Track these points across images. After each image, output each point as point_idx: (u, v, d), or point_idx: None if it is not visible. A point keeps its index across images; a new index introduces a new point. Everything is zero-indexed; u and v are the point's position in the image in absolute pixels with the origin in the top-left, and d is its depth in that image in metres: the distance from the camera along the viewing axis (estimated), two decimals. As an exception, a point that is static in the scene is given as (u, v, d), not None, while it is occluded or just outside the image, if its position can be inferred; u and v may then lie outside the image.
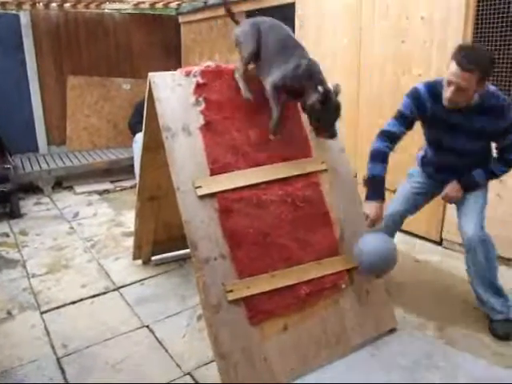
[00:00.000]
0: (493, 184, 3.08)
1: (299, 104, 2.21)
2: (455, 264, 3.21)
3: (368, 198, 2.33)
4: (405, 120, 2.37)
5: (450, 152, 2.45)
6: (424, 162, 2.68)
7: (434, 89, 2.31)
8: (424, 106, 2.33)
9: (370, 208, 2.30)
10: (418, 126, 2.48)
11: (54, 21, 5.85)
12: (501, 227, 3.09)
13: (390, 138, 2.38)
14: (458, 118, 2.30)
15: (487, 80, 2.16)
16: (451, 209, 3.35)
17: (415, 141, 3.23)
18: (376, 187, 2.33)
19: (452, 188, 2.48)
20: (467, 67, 2.06)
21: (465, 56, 2.07)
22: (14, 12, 5.57)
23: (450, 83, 2.15)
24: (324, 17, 4.09)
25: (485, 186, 2.50)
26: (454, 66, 2.11)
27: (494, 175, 2.46)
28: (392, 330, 2.38)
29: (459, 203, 2.51)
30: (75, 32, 6.02)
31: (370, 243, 2.17)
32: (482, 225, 2.35)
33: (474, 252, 2.32)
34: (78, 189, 5.29)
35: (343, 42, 3.94)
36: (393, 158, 3.62)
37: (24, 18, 5.63)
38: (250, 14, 5.00)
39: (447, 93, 2.18)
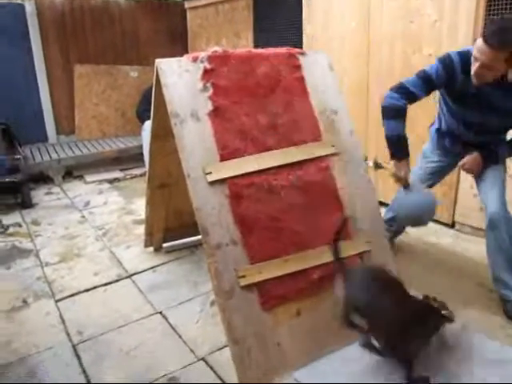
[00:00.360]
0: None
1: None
2: (467, 246, 3.19)
3: (394, 156, 2.30)
4: (429, 84, 2.23)
5: (474, 127, 2.36)
6: (439, 135, 2.58)
7: (467, 60, 2.11)
8: (455, 77, 2.19)
9: (400, 167, 2.28)
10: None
11: (60, 9, 5.81)
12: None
13: (407, 97, 2.24)
14: (489, 95, 2.16)
15: None
16: (463, 191, 3.32)
17: (420, 119, 3.19)
18: (402, 145, 2.29)
19: (473, 159, 2.39)
20: (493, 44, 1.91)
21: (493, 31, 1.92)
22: (19, 1, 5.55)
23: (475, 59, 2.02)
24: (332, -2, 4.02)
25: (504, 162, 2.45)
26: (480, 41, 1.97)
27: None
28: (405, 313, 2.37)
29: (479, 179, 2.45)
30: (81, 20, 5.98)
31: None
32: (505, 202, 2.32)
33: (497, 229, 2.30)
34: (89, 178, 5.31)
35: (351, 24, 3.87)
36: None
37: (29, 7, 5.60)
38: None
39: (473, 68, 2.05)
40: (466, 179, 3.23)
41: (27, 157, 4.93)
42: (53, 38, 5.83)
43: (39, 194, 4.81)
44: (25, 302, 2.70)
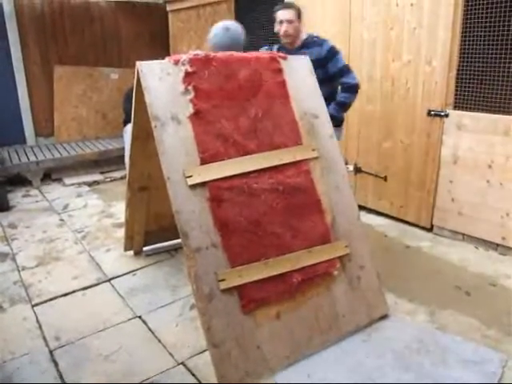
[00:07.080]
0: (483, 170, 3.12)
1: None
2: (445, 250, 3.24)
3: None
4: None
5: None
6: None
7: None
8: None
9: None
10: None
11: (39, 9, 5.73)
12: (489, 212, 3.12)
13: None
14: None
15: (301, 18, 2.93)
16: (442, 195, 3.37)
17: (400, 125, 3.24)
18: None
19: None
20: (287, 6, 2.93)
21: (282, 5, 2.96)
22: (-4, 0, 5.45)
23: (281, 22, 2.87)
24: (315, 2, 4.05)
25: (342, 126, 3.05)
26: (278, 14, 2.90)
27: (344, 103, 2.91)
28: (384, 317, 2.39)
29: None
30: (61, 20, 5.91)
31: None
32: None
33: None
34: (68, 180, 5.24)
35: (332, 30, 3.90)
36: (382, 146, 3.63)
37: (7, 6, 5.50)
38: None
39: (282, 29, 2.86)
40: (444, 183, 3.29)
41: (5, 159, 4.85)
42: (32, 39, 5.74)
43: (17, 197, 4.72)
44: (0, 307, 2.64)
